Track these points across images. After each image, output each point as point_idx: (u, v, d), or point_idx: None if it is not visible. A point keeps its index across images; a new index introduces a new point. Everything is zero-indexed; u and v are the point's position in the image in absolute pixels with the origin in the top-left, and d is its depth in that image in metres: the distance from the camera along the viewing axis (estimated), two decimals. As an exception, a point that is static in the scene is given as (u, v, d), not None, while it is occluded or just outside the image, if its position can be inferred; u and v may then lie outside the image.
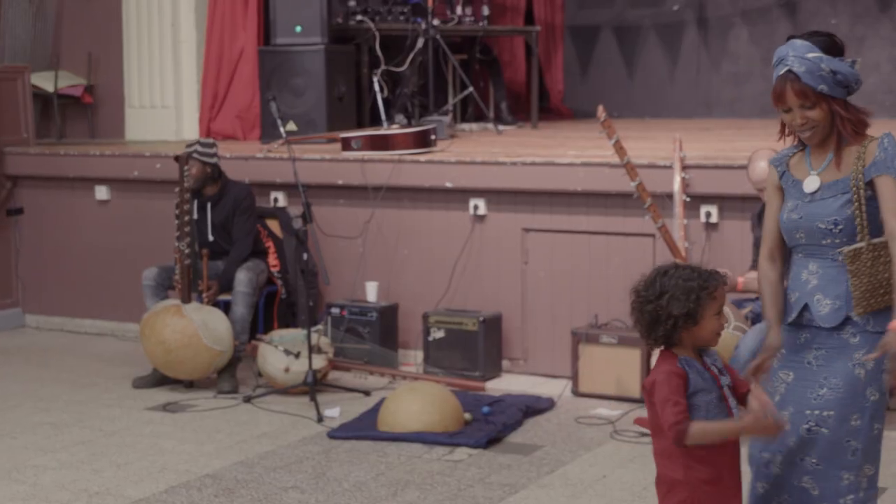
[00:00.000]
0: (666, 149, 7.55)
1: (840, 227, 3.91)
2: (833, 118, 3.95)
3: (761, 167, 6.28)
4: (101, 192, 9.14)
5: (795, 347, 3.96)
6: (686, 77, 12.50)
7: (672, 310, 3.70)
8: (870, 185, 3.89)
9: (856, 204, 3.90)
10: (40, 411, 7.10)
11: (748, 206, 6.97)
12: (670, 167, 7.18)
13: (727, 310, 6.28)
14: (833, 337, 3.96)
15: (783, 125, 4.10)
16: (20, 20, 10.79)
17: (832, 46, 3.99)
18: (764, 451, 4.04)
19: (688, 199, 7.09)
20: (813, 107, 3.92)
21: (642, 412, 6.67)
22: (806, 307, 3.97)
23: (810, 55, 3.91)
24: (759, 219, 6.51)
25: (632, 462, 6.09)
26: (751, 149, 6.69)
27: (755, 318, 6.42)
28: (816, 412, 3.96)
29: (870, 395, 3.97)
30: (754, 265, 6.58)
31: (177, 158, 7.54)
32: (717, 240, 7.23)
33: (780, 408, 3.93)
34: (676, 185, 7.08)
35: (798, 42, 3.98)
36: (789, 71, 3.92)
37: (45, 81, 10.50)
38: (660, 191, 7.07)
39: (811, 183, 3.98)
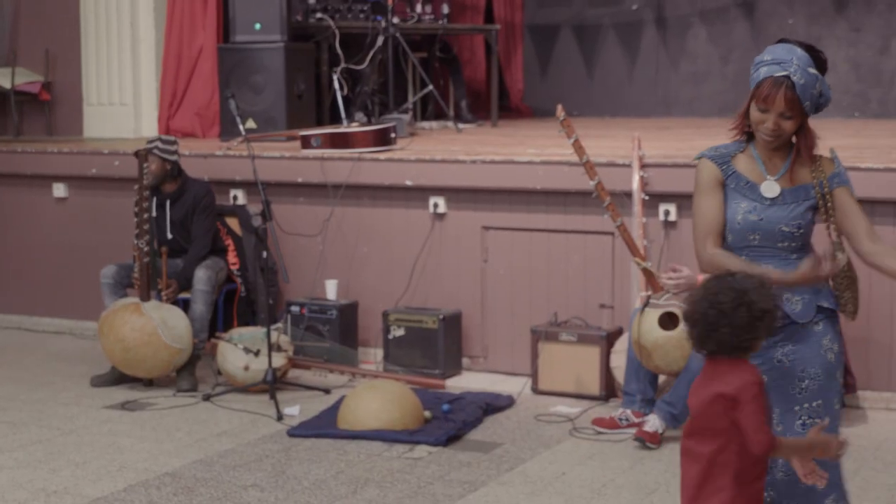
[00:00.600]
0: (625, 147, 7.58)
1: (801, 230, 4.04)
2: (798, 132, 4.07)
3: None
4: (59, 190, 9.09)
5: (760, 351, 3.90)
6: (645, 76, 12.56)
7: (761, 305, 3.60)
8: (830, 195, 4.05)
9: (822, 210, 4.05)
10: (-3, 410, 7.07)
11: (706, 204, 7.00)
12: (629, 166, 7.21)
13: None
14: (801, 330, 4.04)
15: (742, 120, 4.14)
16: (-23, 16, 10.72)
17: (820, 64, 4.10)
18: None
19: (647, 198, 7.13)
20: (791, 118, 3.99)
21: (601, 410, 6.72)
22: None
23: (811, 70, 4.00)
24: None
25: (591, 459, 6.12)
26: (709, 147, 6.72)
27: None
28: (805, 405, 4.02)
29: (839, 377, 4.10)
30: (712, 263, 6.61)
31: (136, 155, 7.50)
32: (676, 238, 7.27)
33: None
34: (635, 184, 7.12)
35: (800, 52, 4.04)
36: (788, 78, 3.96)
37: (2, 78, 10.44)
38: (619, 189, 7.11)
39: (771, 188, 4.05)
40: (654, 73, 12.54)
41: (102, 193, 8.92)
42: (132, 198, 7.52)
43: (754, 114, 4.04)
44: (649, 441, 6.21)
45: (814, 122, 4.13)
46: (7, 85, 10.45)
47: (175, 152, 7.75)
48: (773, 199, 4.04)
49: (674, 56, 12.46)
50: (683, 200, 7.21)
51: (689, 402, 3.80)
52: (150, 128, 10.16)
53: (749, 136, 4.14)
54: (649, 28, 12.57)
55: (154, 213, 7.70)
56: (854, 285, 4.15)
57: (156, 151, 7.63)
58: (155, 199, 7.73)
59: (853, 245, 4.07)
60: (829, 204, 4.04)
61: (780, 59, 4.00)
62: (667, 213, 7.26)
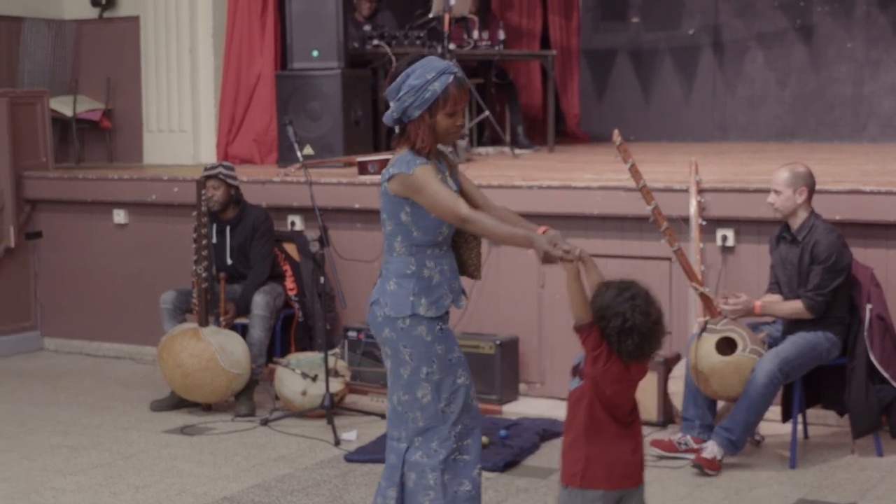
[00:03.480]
0: (682, 172, 7.56)
1: None
2: None
3: (775, 175, 6.40)
4: (120, 216, 9.19)
5: (443, 337, 4.50)
6: (701, 100, 12.53)
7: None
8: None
9: (463, 183, 4.64)
10: (58, 434, 7.13)
11: (765, 229, 6.97)
12: (686, 191, 7.19)
13: (743, 332, 6.30)
14: None
15: (427, 135, 4.44)
16: (39, 45, 10.87)
17: None
18: None
19: (704, 223, 7.10)
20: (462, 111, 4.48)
21: (659, 436, 6.67)
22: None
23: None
24: (776, 241, 6.53)
25: (648, 486, 6.05)
26: (767, 172, 6.71)
27: (772, 342, 6.42)
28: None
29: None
30: (771, 288, 6.58)
31: (200, 182, 7.57)
32: (734, 263, 7.23)
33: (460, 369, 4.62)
34: (692, 209, 7.09)
35: (434, 57, 4.48)
36: (457, 77, 4.40)
37: (63, 106, 10.57)
38: (676, 214, 7.08)
39: (452, 183, 4.53)
40: (710, 97, 12.51)
41: (162, 219, 9.00)
42: (191, 224, 7.59)
43: (446, 121, 4.43)
44: (708, 468, 6.17)
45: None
46: (69, 113, 10.59)
47: (235, 178, 7.82)
48: (457, 192, 4.51)
49: (730, 80, 12.43)
50: (741, 225, 7.18)
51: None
52: (208, 154, 10.25)
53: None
54: (706, 52, 12.56)
55: (214, 239, 7.76)
56: (479, 246, 4.67)
57: (221, 176, 7.70)
58: (215, 226, 7.79)
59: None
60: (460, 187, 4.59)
61: (443, 68, 4.40)
62: (724, 238, 7.23)
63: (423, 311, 4.51)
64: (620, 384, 4.14)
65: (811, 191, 6.38)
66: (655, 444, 6.50)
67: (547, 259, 4.23)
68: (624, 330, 4.04)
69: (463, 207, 4.36)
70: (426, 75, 4.37)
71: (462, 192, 4.58)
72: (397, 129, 4.56)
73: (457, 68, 4.44)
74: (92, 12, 11.06)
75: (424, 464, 4.53)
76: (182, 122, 10.38)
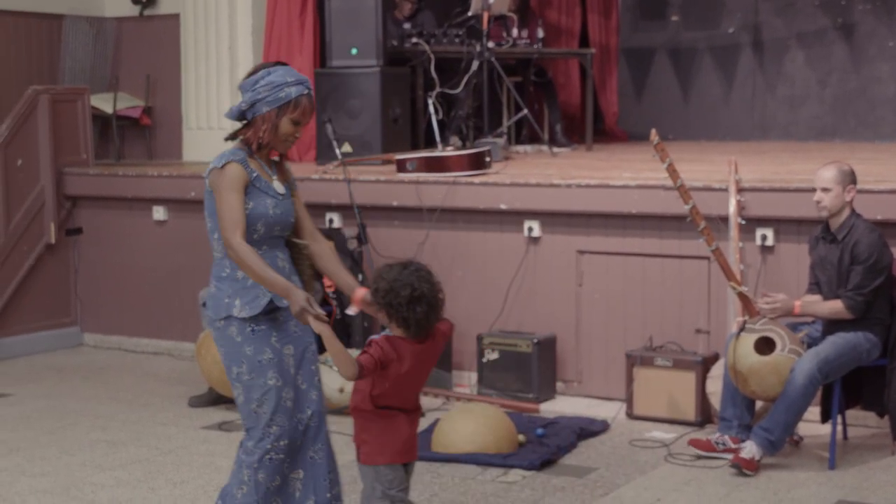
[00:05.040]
0: (721, 171, 7.53)
1: (293, 221, 4.76)
2: None
3: (821, 173, 6.35)
4: (159, 213, 9.24)
5: (280, 325, 4.66)
6: (741, 100, 12.47)
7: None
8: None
9: (297, 205, 4.80)
10: (97, 429, 7.18)
11: (804, 229, 6.94)
12: (726, 190, 7.16)
13: (782, 332, 6.27)
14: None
15: (263, 133, 4.62)
16: (80, 43, 10.94)
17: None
18: None
19: (743, 222, 7.07)
20: (305, 125, 4.67)
21: (697, 436, 6.65)
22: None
23: None
24: (816, 241, 6.49)
25: (686, 486, 6.07)
26: (808, 172, 6.68)
27: (811, 342, 6.39)
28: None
29: None
30: (811, 289, 6.55)
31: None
32: (773, 263, 7.20)
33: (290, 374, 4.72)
34: (732, 208, 7.06)
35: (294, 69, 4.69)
36: (310, 95, 4.63)
37: (104, 103, 10.64)
38: (715, 213, 7.06)
39: (280, 187, 4.71)
40: (750, 96, 12.44)
41: (201, 216, 8.96)
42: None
43: (288, 127, 4.60)
44: (746, 468, 6.15)
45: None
46: (109, 110, 10.65)
47: (273, 175, 7.83)
48: (283, 196, 4.70)
49: (771, 79, 12.36)
50: (781, 225, 7.15)
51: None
52: (247, 152, 10.27)
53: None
54: (746, 51, 12.49)
55: (251, 236, 7.77)
56: (309, 259, 4.81)
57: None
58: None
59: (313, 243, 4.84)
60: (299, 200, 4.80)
61: (300, 80, 4.62)
62: (764, 237, 7.20)
63: (237, 313, 4.62)
64: (413, 360, 4.42)
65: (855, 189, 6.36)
66: (693, 443, 6.48)
67: (300, 317, 4.38)
68: (413, 298, 4.35)
69: (237, 235, 4.50)
70: (287, 78, 4.59)
71: (295, 215, 4.78)
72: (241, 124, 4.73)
73: (310, 89, 4.68)
74: (132, 10, 11.12)
75: (242, 460, 4.69)
76: (221, 119, 10.40)
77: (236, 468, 4.72)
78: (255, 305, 4.60)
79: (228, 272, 4.64)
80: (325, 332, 4.32)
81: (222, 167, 4.58)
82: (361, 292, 4.63)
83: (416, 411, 4.59)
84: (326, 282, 8.07)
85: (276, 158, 4.77)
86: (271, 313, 4.64)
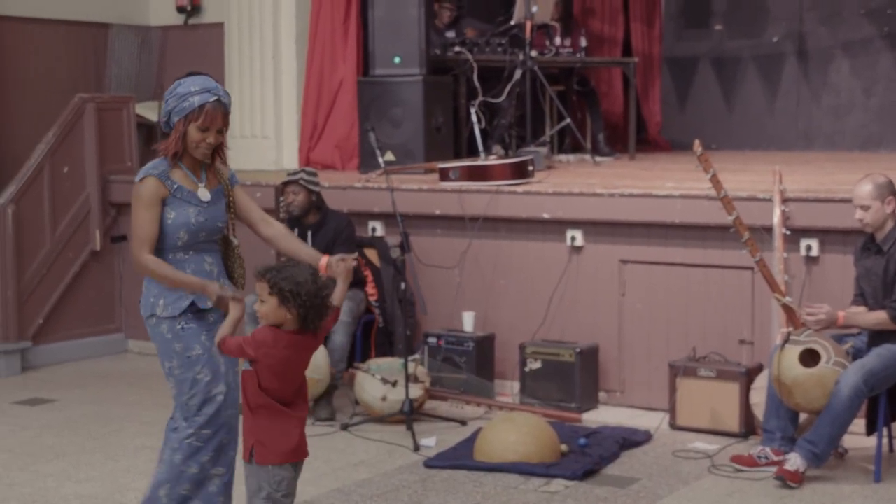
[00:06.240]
0: (765, 181, 7.49)
1: (226, 224, 4.98)
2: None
3: (858, 191, 6.31)
4: (203, 220, 9.27)
5: (210, 325, 4.90)
6: (785, 109, 12.41)
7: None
8: (232, 192, 5.01)
9: (231, 207, 4.99)
10: (142, 435, 7.22)
11: (850, 239, 6.89)
12: (770, 200, 7.13)
13: (827, 344, 6.23)
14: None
15: (179, 142, 4.82)
16: (126, 51, 11.03)
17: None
18: None
19: (788, 233, 7.03)
20: (223, 132, 4.84)
21: (740, 447, 6.63)
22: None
23: (224, 89, 4.90)
24: (861, 252, 6.45)
25: (730, 497, 6.04)
26: (853, 182, 6.63)
27: (856, 354, 6.35)
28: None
29: None
30: (856, 300, 6.51)
31: (279, 188, 7.63)
32: (818, 274, 7.16)
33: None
34: (776, 218, 7.03)
35: (210, 78, 4.89)
36: (219, 100, 4.80)
37: (149, 111, 10.71)
38: (759, 224, 7.03)
39: (205, 194, 4.90)
40: (795, 105, 12.38)
41: (244, 224, 9.05)
42: (274, 229, 7.63)
43: (196, 134, 4.78)
44: (790, 480, 6.11)
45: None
46: (154, 118, 10.71)
47: (317, 183, 7.87)
48: (208, 202, 4.90)
49: (815, 89, 12.29)
50: (826, 235, 7.11)
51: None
52: (290, 160, 10.33)
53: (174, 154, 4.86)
54: (790, 60, 12.43)
55: (295, 245, 7.81)
56: (241, 259, 5.06)
57: (302, 182, 7.75)
58: (297, 231, 7.85)
59: (255, 231, 5.11)
60: (231, 199, 4.97)
61: (208, 88, 4.81)
62: (808, 248, 7.16)
63: (160, 312, 4.89)
64: (291, 349, 4.58)
65: (896, 200, 6.31)
66: (735, 460, 6.45)
67: (220, 304, 4.72)
68: (327, 305, 4.57)
69: (143, 251, 4.77)
70: (192, 87, 4.80)
71: (238, 208, 5.02)
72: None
73: (224, 94, 4.86)
74: (177, 19, 11.20)
75: (166, 437, 5.03)
76: (265, 127, 10.47)
77: (162, 445, 5.04)
78: (177, 307, 4.86)
79: None
80: (236, 313, 4.62)
81: (140, 181, 4.84)
82: (325, 260, 4.82)
83: (303, 408, 4.71)
84: (369, 290, 8.10)
85: (208, 161, 4.94)
86: (200, 313, 4.90)
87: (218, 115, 4.80)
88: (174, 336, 4.90)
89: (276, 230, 5.09)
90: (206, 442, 4.94)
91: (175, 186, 4.84)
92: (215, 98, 4.80)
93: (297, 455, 4.65)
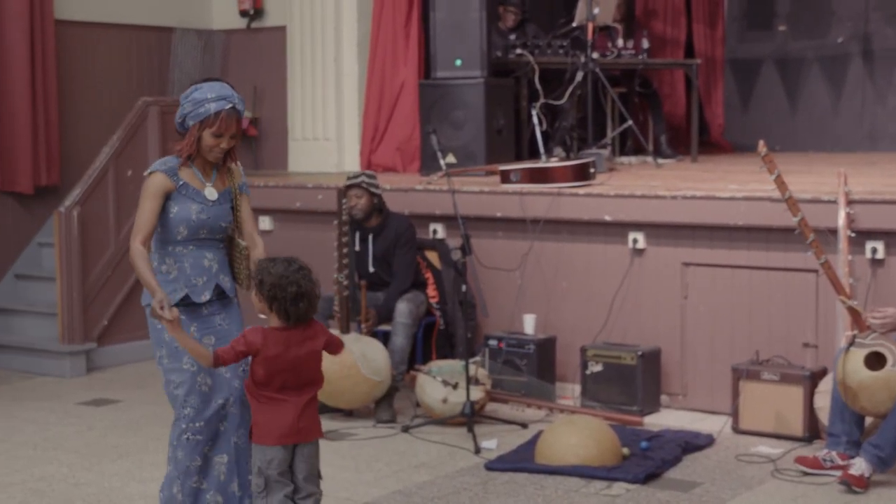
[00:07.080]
0: (830, 183, 7.42)
1: (230, 225, 5.11)
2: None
3: None
4: (265, 223, 9.33)
5: (203, 318, 5.06)
6: (850, 110, 12.28)
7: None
8: (239, 197, 5.16)
9: (234, 209, 5.13)
10: (204, 436, 7.25)
11: (916, 242, 6.82)
12: (834, 202, 7.06)
13: (893, 347, 6.16)
14: (229, 301, 5.16)
15: (193, 144, 4.97)
16: (189, 54, 11.10)
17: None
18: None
19: (853, 235, 6.96)
20: (236, 137, 5.01)
21: (804, 451, 6.56)
22: (216, 286, 5.07)
23: (238, 96, 5.03)
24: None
25: (794, 501, 5.99)
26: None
27: (923, 357, 6.27)
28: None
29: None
30: (922, 303, 6.43)
31: (341, 191, 7.66)
32: (884, 276, 7.08)
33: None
34: (841, 220, 6.95)
35: (226, 84, 5.03)
36: (234, 108, 4.95)
37: (211, 114, 10.76)
38: (824, 226, 6.96)
39: (212, 193, 5.05)
40: (860, 106, 12.25)
41: (305, 227, 9.12)
42: (334, 231, 7.67)
43: (210, 139, 4.94)
44: (855, 485, 6.04)
45: None
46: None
47: (378, 186, 7.88)
48: (214, 201, 5.04)
49: (881, 89, 12.16)
50: (892, 238, 7.02)
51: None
52: (352, 162, 10.36)
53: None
54: (855, 61, 12.30)
55: (357, 247, 7.83)
56: (247, 261, 5.10)
57: (364, 185, 7.77)
58: (358, 234, 7.87)
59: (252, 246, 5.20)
60: (236, 203, 5.13)
61: (224, 95, 4.94)
62: (874, 250, 7.08)
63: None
64: (282, 347, 4.74)
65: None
66: (800, 461, 6.39)
67: (152, 314, 4.76)
68: (298, 295, 4.72)
69: (137, 238, 4.90)
70: (208, 94, 4.94)
71: (235, 215, 5.14)
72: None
73: (239, 100, 4.99)
74: (240, 22, 11.27)
75: (171, 436, 5.10)
76: (326, 130, 10.51)
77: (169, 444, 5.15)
78: (171, 298, 4.91)
79: (155, 265, 5.01)
80: (170, 328, 4.70)
81: (149, 175, 5.00)
82: None
83: (307, 393, 4.82)
84: (430, 292, 8.11)
85: (220, 163, 5.10)
86: (192, 306, 5.03)
87: (232, 121, 4.97)
88: (164, 327, 4.98)
89: (257, 254, 5.15)
90: (201, 433, 5.05)
91: (181, 183, 5.00)
92: (230, 105, 4.95)
93: (290, 438, 4.77)
